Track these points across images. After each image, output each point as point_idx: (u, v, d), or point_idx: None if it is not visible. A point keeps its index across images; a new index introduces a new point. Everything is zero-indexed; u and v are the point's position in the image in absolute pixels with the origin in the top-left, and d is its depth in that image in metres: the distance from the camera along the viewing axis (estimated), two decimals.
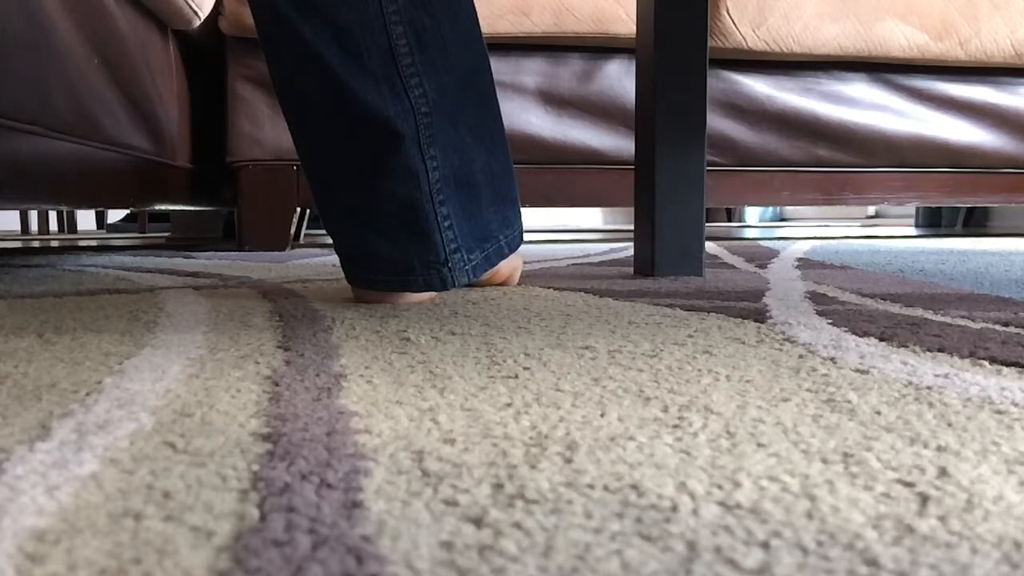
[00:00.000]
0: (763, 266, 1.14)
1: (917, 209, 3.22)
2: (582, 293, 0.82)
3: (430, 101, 0.72)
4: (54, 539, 0.23)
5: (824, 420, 0.35)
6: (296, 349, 0.52)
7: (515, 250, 0.82)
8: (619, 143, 1.76)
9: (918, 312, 0.65)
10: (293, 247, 1.78)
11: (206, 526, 0.24)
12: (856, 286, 0.85)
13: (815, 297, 0.76)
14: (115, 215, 3.62)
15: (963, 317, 0.62)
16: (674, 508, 0.25)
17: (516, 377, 0.44)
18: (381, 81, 0.70)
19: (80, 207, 1.19)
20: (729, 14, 1.73)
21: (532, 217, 4.42)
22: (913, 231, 2.71)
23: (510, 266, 0.87)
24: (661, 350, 0.51)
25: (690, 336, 0.56)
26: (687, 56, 0.98)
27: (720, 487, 0.27)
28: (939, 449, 0.31)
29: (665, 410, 0.37)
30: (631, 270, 1.11)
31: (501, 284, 0.89)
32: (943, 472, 0.29)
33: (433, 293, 0.77)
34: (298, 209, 1.68)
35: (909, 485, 0.27)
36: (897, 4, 1.79)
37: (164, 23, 1.49)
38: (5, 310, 0.70)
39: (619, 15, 1.68)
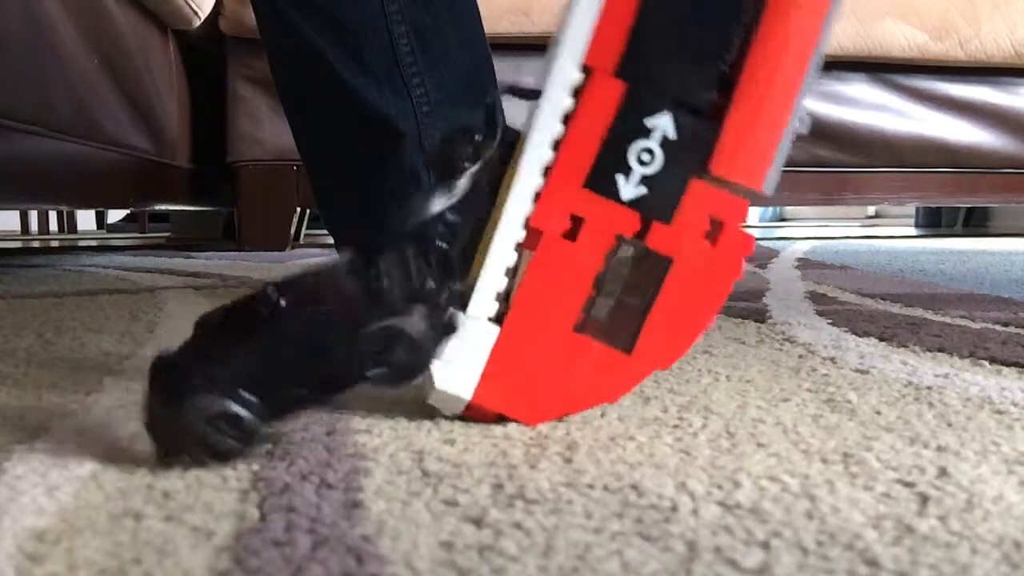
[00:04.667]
0: (763, 266, 1.14)
1: (917, 209, 3.21)
2: None
3: (431, 100, 0.72)
4: (54, 539, 0.23)
5: (824, 420, 0.35)
6: None
7: None
8: None
9: (918, 312, 0.65)
10: (293, 247, 1.78)
11: (206, 526, 0.24)
12: (856, 286, 0.85)
13: (815, 297, 0.76)
14: (115, 215, 3.61)
15: (963, 317, 0.62)
16: (674, 508, 0.25)
17: None
18: (382, 80, 0.70)
19: (80, 207, 1.19)
20: None
21: None
22: (913, 231, 2.71)
23: None
24: None
25: None
26: None
27: (720, 487, 0.27)
28: (939, 449, 0.31)
29: (665, 410, 0.37)
30: None
31: None
32: (943, 472, 0.29)
33: None
34: (298, 209, 1.68)
35: (909, 485, 0.27)
36: (897, 4, 1.79)
37: (164, 23, 1.49)
38: (5, 310, 0.70)
39: None
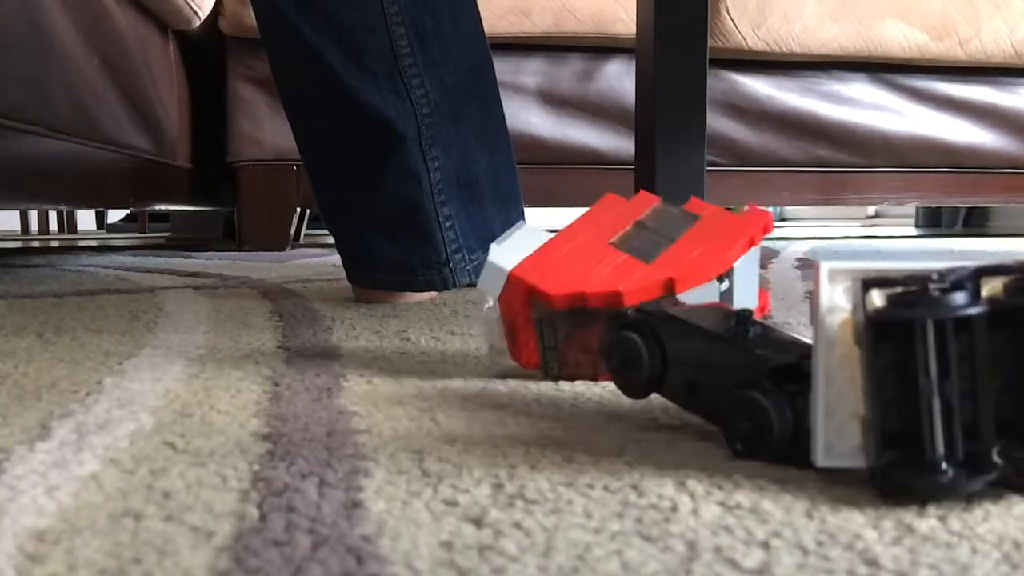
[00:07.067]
0: (763, 266, 1.14)
1: (917, 209, 3.21)
2: None
3: (432, 101, 0.72)
4: (54, 539, 0.23)
5: None
6: (296, 349, 0.52)
7: None
8: (619, 143, 1.76)
9: None
10: (293, 247, 1.78)
11: (206, 526, 0.24)
12: None
13: None
14: (115, 215, 3.61)
15: None
16: (674, 508, 0.25)
17: (516, 377, 0.44)
18: (382, 81, 0.70)
19: (80, 207, 1.19)
20: (729, 14, 1.73)
21: (532, 217, 4.42)
22: (913, 231, 2.71)
23: None
24: None
25: None
26: (687, 56, 0.98)
27: (720, 487, 0.27)
28: None
29: (665, 410, 0.37)
30: None
31: None
32: None
33: (434, 293, 0.77)
34: (298, 209, 1.68)
35: None
36: (897, 4, 1.79)
37: (164, 23, 1.49)
38: (5, 310, 0.70)
39: (619, 15, 1.68)
